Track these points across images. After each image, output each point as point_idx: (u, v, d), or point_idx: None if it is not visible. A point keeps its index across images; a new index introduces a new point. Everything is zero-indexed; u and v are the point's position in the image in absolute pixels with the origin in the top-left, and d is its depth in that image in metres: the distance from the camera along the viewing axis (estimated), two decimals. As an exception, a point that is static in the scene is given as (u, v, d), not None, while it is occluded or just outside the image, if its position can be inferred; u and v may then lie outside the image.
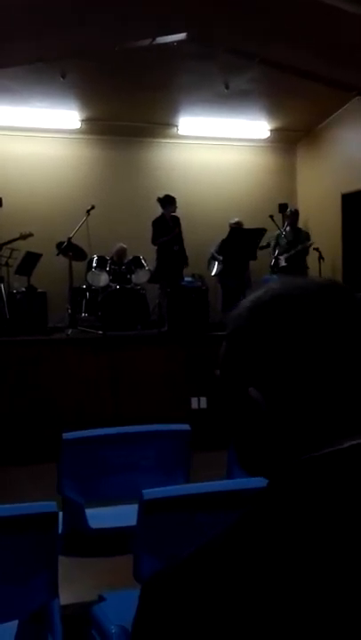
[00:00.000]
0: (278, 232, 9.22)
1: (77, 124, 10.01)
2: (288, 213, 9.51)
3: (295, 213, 9.61)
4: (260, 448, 0.79)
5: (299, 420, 0.76)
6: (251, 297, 0.83)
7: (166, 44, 7.86)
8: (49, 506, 2.01)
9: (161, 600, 0.70)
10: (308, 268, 9.52)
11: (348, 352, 0.76)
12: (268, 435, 0.78)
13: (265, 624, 0.64)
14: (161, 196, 8.85)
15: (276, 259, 9.26)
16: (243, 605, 0.65)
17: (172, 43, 7.83)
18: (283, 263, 9.21)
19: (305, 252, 9.47)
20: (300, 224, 9.79)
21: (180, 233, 8.78)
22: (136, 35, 7.73)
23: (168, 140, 10.69)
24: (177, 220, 8.80)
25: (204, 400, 6.79)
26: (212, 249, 9.35)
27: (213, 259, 9.31)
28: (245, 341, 0.80)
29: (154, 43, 7.83)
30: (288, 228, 9.43)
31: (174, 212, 8.78)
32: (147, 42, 7.81)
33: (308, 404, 0.75)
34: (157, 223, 8.75)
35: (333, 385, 0.75)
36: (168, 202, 8.77)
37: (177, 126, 10.44)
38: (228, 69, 8.61)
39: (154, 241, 8.70)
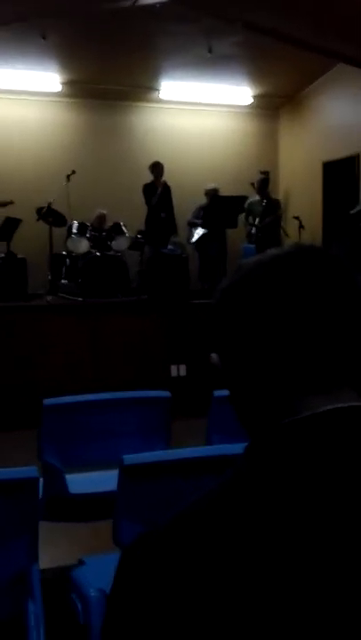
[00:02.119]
0: (250, 200, 9.16)
1: (58, 86, 9.82)
2: (256, 182, 9.43)
3: (262, 182, 9.51)
4: (237, 406, 0.83)
5: (256, 382, 0.78)
6: (241, 263, 0.85)
7: (149, 6, 7.70)
8: (30, 471, 2.02)
9: (141, 564, 0.71)
10: (288, 236, 9.50)
11: (301, 315, 0.76)
12: (236, 395, 0.82)
13: (242, 587, 0.65)
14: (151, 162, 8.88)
15: (251, 227, 9.24)
16: (221, 569, 0.66)
17: (155, 4, 7.67)
18: (256, 232, 9.17)
19: (278, 220, 9.45)
20: (281, 192, 9.77)
21: (169, 200, 8.77)
22: (118, -5, 7.57)
23: (149, 104, 10.54)
24: (168, 187, 8.79)
25: (183, 368, 6.82)
26: (190, 216, 9.31)
27: (192, 225, 9.26)
28: (217, 319, 0.83)
29: (136, 4, 7.67)
30: (257, 197, 9.36)
31: (159, 177, 8.76)
32: (129, 2, 7.65)
33: (264, 366, 0.77)
34: (146, 189, 8.80)
35: (288, 347, 0.76)
36: (153, 168, 8.82)
37: (159, 90, 10.29)
38: (212, 33, 8.47)
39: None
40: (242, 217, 8.97)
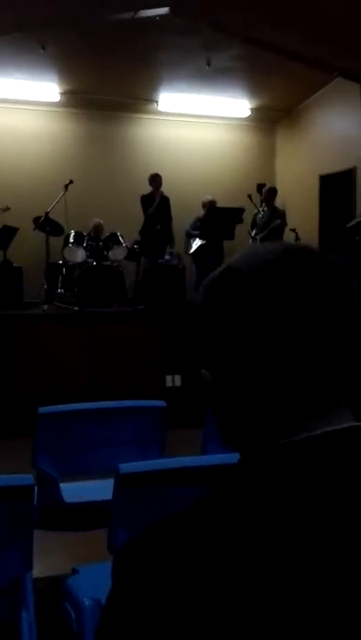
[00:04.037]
0: (255, 211, 9.22)
1: (57, 96, 9.87)
2: (264, 192, 9.49)
3: (270, 191, 9.55)
4: (227, 425, 0.80)
5: (250, 402, 0.75)
6: (213, 273, 0.81)
7: (149, 18, 7.75)
8: (25, 478, 2.01)
9: (132, 568, 0.71)
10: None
11: (299, 329, 0.73)
12: (228, 414, 0.79)
13: (229, 592, 0.65)
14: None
15: (254, 238, 9.26)
16: (208, 571, 0.66)
17: (155, 17, 7.72)
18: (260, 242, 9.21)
19: (280, 230, 9.46)
20: (278, 204, 9.79)
21: (166, 212, 8.80)
22: (118, 7, 7.61)
23: (148, 116, 10.59)
24: (166, 199, 8.82)
25: (178, 378, 6.81)
26: (187, 226, 9.35)
27: (189, 237, 9.30)
28: (200, 320, 0.80)
29: (136, 16, 7.71)
30: (265, 208, 9.41)
31: (157, 189, 8.80)
32: (129, 15, 7.70)
33: (259, 385, 0.74)
34: (143, 199, 8.87)
35: (282, 365, 0.73)
36: (151, 180, 8.91)
37: (157, 102, 10.34)
38: (211, 46, 8.53)
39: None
40: (246, 227, 9.00)
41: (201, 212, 9.28)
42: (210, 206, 9.08)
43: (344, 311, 0.75)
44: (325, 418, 0.74)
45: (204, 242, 8.81)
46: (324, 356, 0.74)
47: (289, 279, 0.74)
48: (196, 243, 9.06)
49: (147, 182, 8.96)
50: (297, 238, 9.34)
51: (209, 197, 9.41)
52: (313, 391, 0.74)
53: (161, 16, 7.71)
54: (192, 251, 9.18)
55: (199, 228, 8.92)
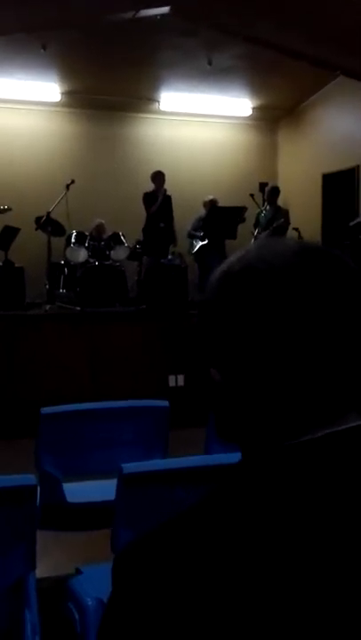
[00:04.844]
0: (258, 211, 9.22)
1: (58, 96, 9.87)
2: (267, 191, 9.49)
3: (273, 190, 9.54)
4: (229, 423, 0.79)
5: (262, 405, 0.74)
6: (224, 265, 0.78)
7: (149, 18, 7.75)
8: (28, 479, 2.01)
9: (133, 569, 0.71)
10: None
11: (317, 332, 0.72)
12: (235, 414, 0.78)
13: (227, 591, 0.65)
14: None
15: (256, 238, 9.24)
16: (209, 573, 0.66)
17: (156, 16, 7.71)
18: None
19: (283, 229, 9.45)
20: (281, 204, 9.77)
21: (169, 210, 8.80)
22: (119, 7, 7.60)
23: (149, 116, 10.58)
24: (168, 197, 8.82)
25: (181, 378, 6.81)
26: (189, 227, 9.34)
27: (191, 237, 9.30)
28: (212, 317, 0.77)
29: (137, 16, 7.71)
30: (268, 207, 9.41)
31: (160, 187, 8.79)
32: (130, 14, 7.69)
33: (273, 389, 0.73)
34: (146, 197, 8.84)
35: (295, 368, 0.72)
36: (154, 177, 8.87)
37: (158, 101, 10.34)
38: (212, 45, 8.52)
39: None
40: (248, 226, 8.99)
41: (202, 212, 9.28)
42: (212, 205, 9.08)
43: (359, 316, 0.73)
44: (333, 425, 0.73)
45: (205, 242, 8.81)
46: (339, 361, 0.72)
47: (308, 280, 0.73)
48: (198, 243, 9.07)
49: (149, 182, 8.95)
50: (300, 237, 9.32)
51: (210, 197, 9.41)
52: (324, 397, 0.73)
53: (162, 15, 7.71)
54: (194, 251, 9.18)
55: (202, 227, 8.91)
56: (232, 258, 0.78)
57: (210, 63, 8.95)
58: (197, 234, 9.14)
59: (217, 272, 0.78)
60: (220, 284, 0.77)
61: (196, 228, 9.25)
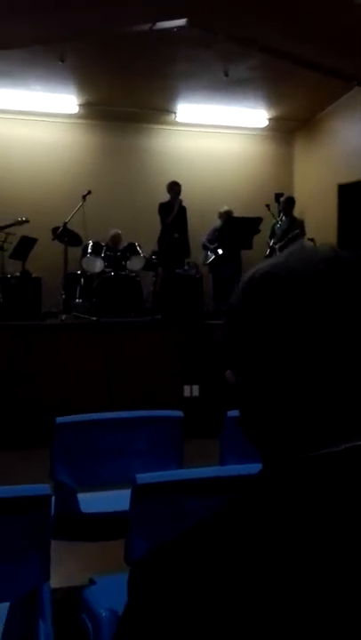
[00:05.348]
0: (274, 221, 9.22)
1: (75, 108, 9.94)
2: (282, 202, 9.48)
3: (288, 201, 9.53)
4: (250, 426, 0.79)
5: (278, 412, 0.74)
6: (249, 273, 0.79)
7: (166, 30, 7.80)
8: (42, 488, 2.01)
9: (149, 581, 0.70)
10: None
11: (342, 342, 0.70)
12: (250, 416, 0.78)
13: (248, 606, 0.65)
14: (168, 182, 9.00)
15: (272, 248, 9.24)
16: (226, 587, 0.66)
17: (173, 28, 7.77)
18: (277, 253, 9.18)
19: (298, 240, 9.43)
20: (296, 214, 9.77)
21: (183, 221, 8.82)
22: (136, 19, 7.66)
23: (166, 127, 10.63)
24: (183, 208, 8.84)
25: (196, 388, 6.80)
26: (204, 238, 9.35)
27: (206, 248, 9.31)
28: (234, 321, 0.78)
29: (154, 28, 7.76)
30: (283, 217, 9.40)
31: (176, 197, 8.82)
32: (147, 27, 7.75)
33: (293, 399, 0.72)
34: (162, 207, 8.88)
35: (315, 377, 0.71)
36: (170, 188, 8.90)
37: (175, 113, 10.38)
38: (228, 57, 8.56)
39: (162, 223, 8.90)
40: (264, 237, 8.98)
41: (218, 223, 9.29)
42: (228, 217, 9.09)
43: None
44: (355, 437, 0.72)
45: (220, 253, 8.82)
46: (357, 376, 0.71)
47: (331, 287, 0.72)
48: (211, 255, 9.08)
49: (165, 193, 8.97)
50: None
51: (226, 208, 9.43)
52: (345, 408, 0.72)
53: (178, 27, 7.75)
54: (208, 261, 9.18)
55: (217, 237, 8.92)
56: (257, 266, 0.79)
57: (226, 74, 8.99)
58: (211, 246, 9.16)
59: (244, 277, 0.79)
60: (244, 290, 0.77)
61: (211, 239, 9.26)
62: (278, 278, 0.74)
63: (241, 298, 0.77)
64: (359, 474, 0.70)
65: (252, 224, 8.09)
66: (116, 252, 8.46)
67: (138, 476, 2.14)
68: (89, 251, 8.14)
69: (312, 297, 0.71)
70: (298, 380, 0.72)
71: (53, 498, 2.40)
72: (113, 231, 9.01)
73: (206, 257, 9.30)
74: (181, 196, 8.92)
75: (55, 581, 2.30)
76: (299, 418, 0.73)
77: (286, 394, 0.72)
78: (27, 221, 8.19)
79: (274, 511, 0.69)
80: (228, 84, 9.19)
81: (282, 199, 9.48)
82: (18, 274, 8.16)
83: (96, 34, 7.83)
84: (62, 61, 8.40)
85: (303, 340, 0.71)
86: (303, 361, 0.71)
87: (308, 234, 9.40)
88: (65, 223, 7.87)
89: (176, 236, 8.73)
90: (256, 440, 0.79)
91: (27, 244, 8.40)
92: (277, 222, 9.27)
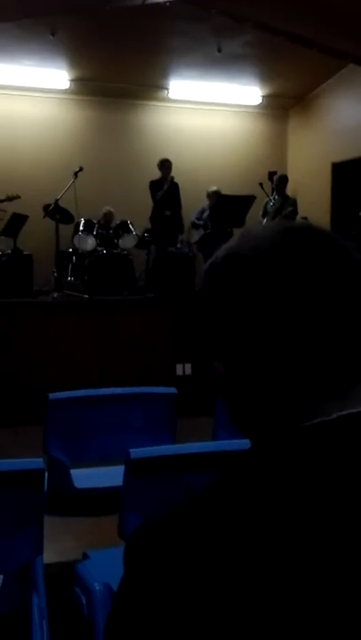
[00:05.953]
0: (266, 199, 9.17)
1: (66, 83, 9.83)
2: (275, 179, 9.44)
3: (281, 179, 9.48)
4: (240, 413, 0.79)
5: (267, 388, 0.74)
6: (208, 261, 0.79)
7: (159, 4, 7.70)
8: (36, 462, 2.01)
9: (144, 552, 0.70)
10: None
11: (310, 310, 0.71)
12: (243, 403, 0.78)
13: (242, 583, 0.64)
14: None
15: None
16: (219, 559, 0.66)
17: (165, 2, 7.66)
18: None
19: (291, 218, 9.39)
20: (290, 193, 9.72)
21: (176, 198, 8.76)
22: (128, -7, 7.57)
23: (158, 103, 10.54)
24: (175, 185, 8.78)
25: (188, 366, 6.80)
26: (194, 216, 9.30)
27: (195, 226, 9.25)
28: (205, 309, 0.78)
29: (146, 2, 7.66)
30: (276, 196, 9.35)
31: (167, 175, 8.76)
32: (138, 1, 7.64)
33: (274, 371, 0.73)
34: (152, 185, 8.83)
35: (294, 348, 0.71)
36: (161, 165, 8.85)
37: (168, 89, 10.29)
38: (222, 32, 8.46)
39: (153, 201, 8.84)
40: (257, 216, 8.94)
41: (206, 204, 9.23)
42: (217, 196, 9.03)
43: (355, 287, 0.73)
44: (343, 400, 0.72)
45: (208, 231, 8.78)
46: (337, 335, 0.72)
47: (297, 260, 0.73)
48: (200, 232, 9.03)
49: (156, 170, 8.92)
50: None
51: (214, 188, 9.32)
52: (328, 372, 0.72)
53: (171, 2, 7.65)
54: (194, 240, 9.13)
55: (208, 216, 8.88)
56: (219, 251, 0.79)
57: (219, 50, 8.89)
58: (199, 223, 9.12)
59: (205, 266, 0.79)
60: (207, 276, 0.78)
61: (199, 218, 9.22)
62: (241, 257, 0.75)
63: (206, 284, 0.78)
64: (353, 441, 0.69)
65: (245, 202, 8.05)
66: (108, 229, 8.41)
67: (132, 450, 2.14)
68: (81, 228, 8.08)
69: (280, 267, 0.72)
70: (278, 351, 0.72)
71: (47, 473, 2.40)
72: (105, 209, 8.95)
73: (191, 235, 9.22)
74: (174, 173, 8.86)
75: (49, 556, 2.30)
76: (287, 388, 0.73)
77: (269, 366, 0.73)
78: (18, 197, 8.12)
79: (267, 480, 0.69)
80: (221, 60, 9.10)
81: (275, 177, 9.43)
82: (9, 251, 8.11)
83: (87, 7, 7.72)
84: (53, 35, 8.29)
85: (276, 311, 0.72)
86: (284, 330, 0.72)
87: (302, 212, 9.36)
88: (56, 200, 7.81)
89: (167, 213, 8.69)
90: (248, 424, 0.79)
91: (18, 221, 8.34)
92: (270, 200, 9.23)
